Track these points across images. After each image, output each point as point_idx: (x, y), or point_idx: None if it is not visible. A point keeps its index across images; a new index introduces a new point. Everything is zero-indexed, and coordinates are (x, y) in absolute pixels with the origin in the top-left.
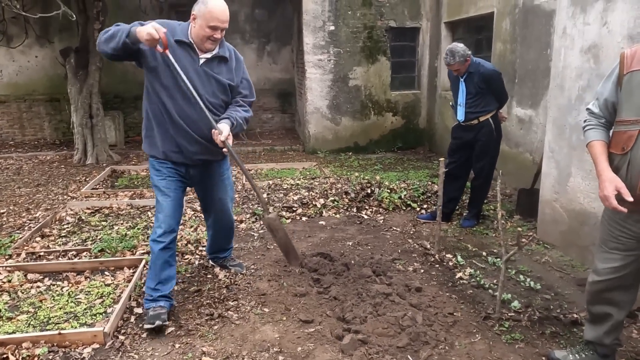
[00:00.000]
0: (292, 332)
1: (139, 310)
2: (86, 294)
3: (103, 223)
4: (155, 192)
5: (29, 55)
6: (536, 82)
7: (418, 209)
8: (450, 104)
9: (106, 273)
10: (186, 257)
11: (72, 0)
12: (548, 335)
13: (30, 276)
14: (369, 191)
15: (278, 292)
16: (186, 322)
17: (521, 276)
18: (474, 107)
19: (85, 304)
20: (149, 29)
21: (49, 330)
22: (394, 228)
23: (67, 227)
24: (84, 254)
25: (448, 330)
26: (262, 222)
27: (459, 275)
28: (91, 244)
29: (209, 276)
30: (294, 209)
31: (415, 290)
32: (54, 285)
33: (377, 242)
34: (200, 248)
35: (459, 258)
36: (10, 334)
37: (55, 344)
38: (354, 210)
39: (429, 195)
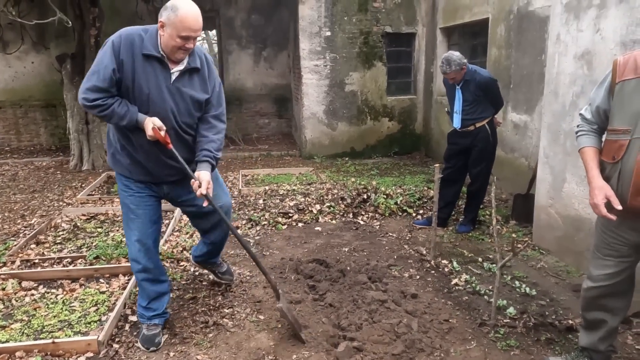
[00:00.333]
0: (288, 339)
1: (134, 318)
2: (81, 302)
3: (99, 230)
4: (122, 209)
5: (25, 61)
6: (531, 87)
7: (414, 214)
8: (446, 110)
9: (101, 280)
10: (182, 264)
11: (69, 6)
12: (543, 341)
13: (24, 284)
14: (365, 197)
15: (273, 299)
16: (181, 330)
17: (517, 282)
18: (470, 114)
19: (80, 312)
20: (149, 132)
21: (42, 339)
22: (390, 234)
23: (63, 234)
24: (79, 261)
25: (443, 337)
26: (276, 309)
27: (454, 281)
28: (86, 251)
29: (205, 283)
30: (290, 215)
31: (411, 297)
32: (48, 293)
33: (373, 248)
34: None
35: (455, 264)
36: (3, 342)
37: (48, 353)
38: (350, 216)
39: (425, 200)
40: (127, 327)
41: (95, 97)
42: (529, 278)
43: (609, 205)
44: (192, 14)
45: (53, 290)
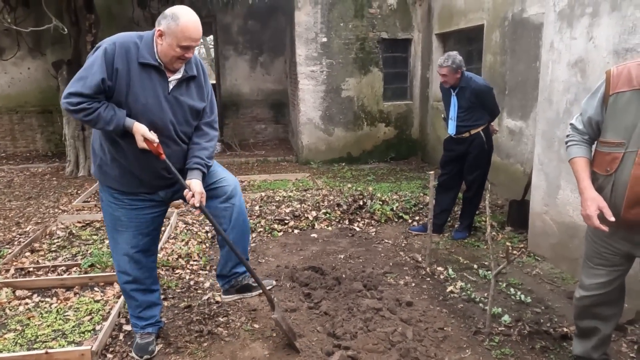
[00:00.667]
0: (282, 348)
1: (128, 327)
2: (75, 311)
3: (94, 237)
4: (107, 222)
5: (21, 67)
6: (526, 93)
7: (410, 220)
8: (442, 116)
9: (96, 289)
10: (177, 271)
11: (65, 13)
12: (538, 350)
13: (18, 292)
14: (361, 203)
15: (268, 308)
16: (175, 340)
17: (512, 289)
18: (465, 120)
19: (74, 321)
20: (141, 143)
21: (36, 349)
22: (386, 240)
23: (58, 242)
24: (74, 269)
25: (438, 345)
26: (271, 320)
27: (450, 288)
28: (81, 259)
29: (199, 291)
30: (286, 221)
31: (406, 305)
32: (42, 301)
33: (369, 255)
34: (191, 262)
35: (450, 271)
36: None
37: None
38: (346, 222)
39: (421, 206)
40: (121, 336)
41: (79, 101)
42: (524, 285)
43: (601, 217)
44: (193, 24)
45: (47, 299)
